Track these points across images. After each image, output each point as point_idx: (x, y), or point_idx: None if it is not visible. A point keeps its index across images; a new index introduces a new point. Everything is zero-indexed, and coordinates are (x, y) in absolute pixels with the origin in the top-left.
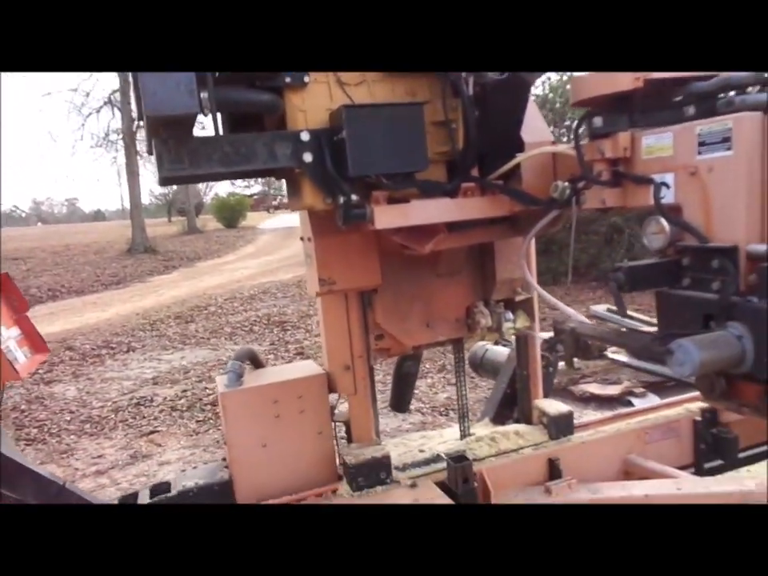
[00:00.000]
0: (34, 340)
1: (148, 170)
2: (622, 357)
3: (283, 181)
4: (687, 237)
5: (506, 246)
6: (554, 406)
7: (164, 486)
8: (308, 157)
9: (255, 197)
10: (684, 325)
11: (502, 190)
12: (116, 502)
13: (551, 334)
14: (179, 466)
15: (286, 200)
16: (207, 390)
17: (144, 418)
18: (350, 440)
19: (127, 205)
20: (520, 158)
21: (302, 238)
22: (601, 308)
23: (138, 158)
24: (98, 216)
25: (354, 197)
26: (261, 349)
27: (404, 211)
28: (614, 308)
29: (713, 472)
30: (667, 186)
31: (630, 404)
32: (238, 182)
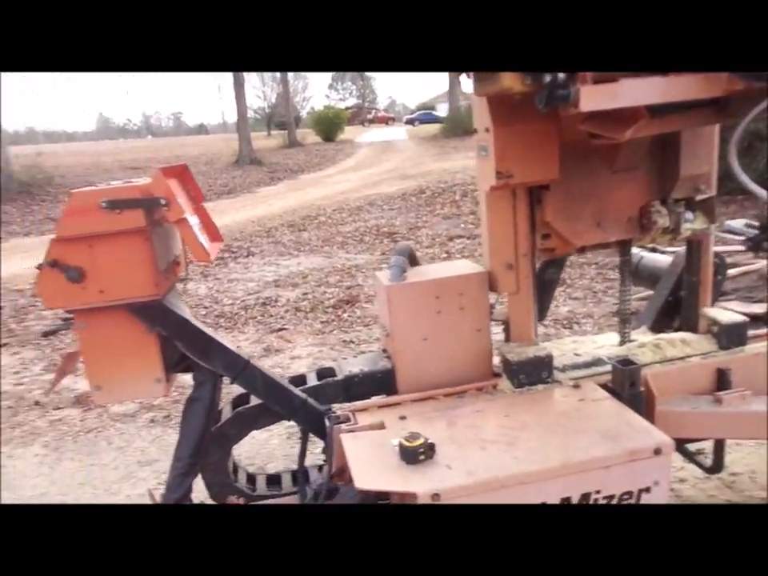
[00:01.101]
0: (210, 229)
1: (249, 83)
2: None
3: (377, 94)
4: None
5: (694, 137)
6: (727, 315)
7: (328, 371)
8: None
9: (351, 110)
10: None
11: None
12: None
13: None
14: (309, 361)
15: (380, 113)
16: (327, 294)
17: (271, 316)
18: (507, 339)
19: (228, 119)
20: None
21: (474, 130)
22: (737, 223)
23: None
24: (201, 129)
25: (561, 75)
26: (372, 258)
27: (613, 91)
28: (754, 223)
29: None
30: None
31: None
32: (333, 95)
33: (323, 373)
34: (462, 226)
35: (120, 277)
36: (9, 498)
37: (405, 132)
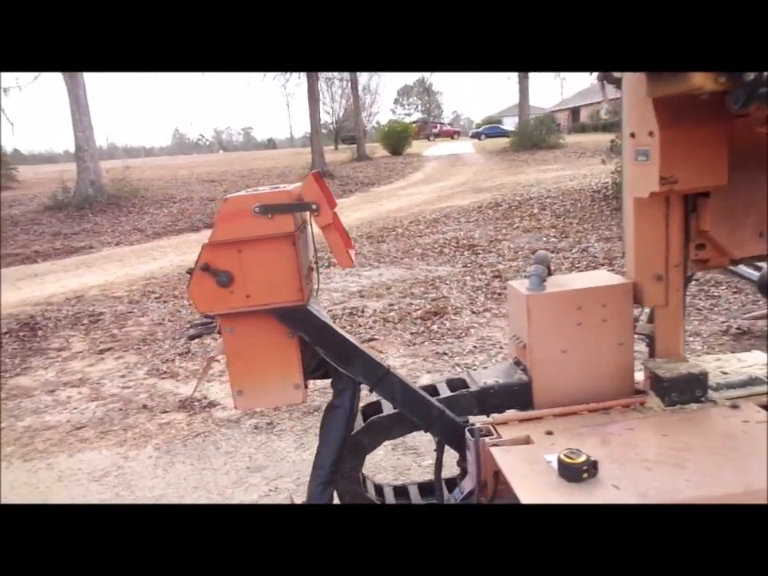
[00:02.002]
0: (344, 235)
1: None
2: None
3: (443, 108)
4: None
5: None
6: None
7: (459, 382)
8: None
9: (416, 124)
10: None
11: None
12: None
13: None
14: (404, 372)
15: (446, 127)
16: (413, 305)
17: (360, 326)
18: (651, 355)
19: (296, 133)
20: None
21: (632, 135)
22: None
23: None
24: (270, 144)
25: (766, 74)
26: (455, 270)
27: None
28: None
29: None
30: None
31: None
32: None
33: (454, 383)
34: (545, 239)
35: (267, 281)
36: (128, 499)
37: (471, 146)
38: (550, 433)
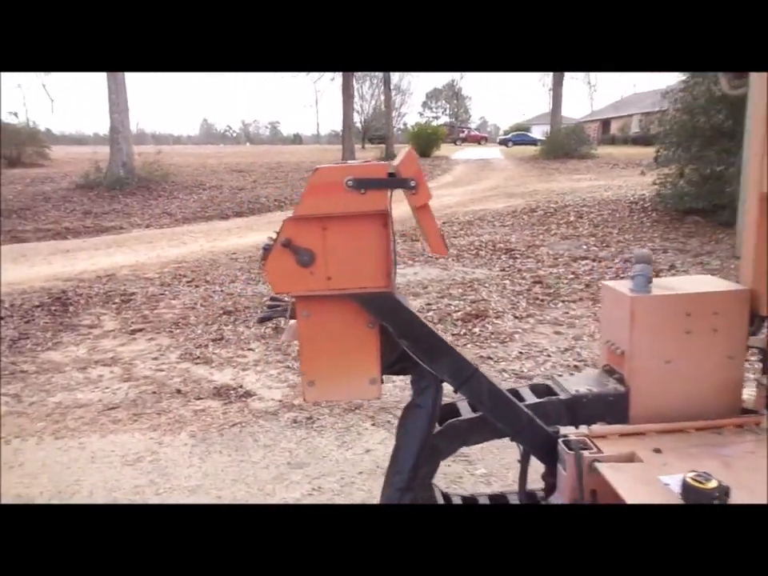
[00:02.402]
0: None
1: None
2: None
3: (471, 114)
4: None
5: None
6: None
7: (544, 387)
8: None
9: (444, 127)
10: None
11: None
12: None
13: None
14: None
15: (473, 132)
16: (452, 306)
17: None
18: (764, 371)
19: (322, 130)
20: None
21: None
22: None
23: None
24: (296, 139)
25: None
26: (492, 274)
27: None
28: None
29: None
30: None
31: None
32: (426, 112)
33: (538, 389)
34: (584, 247)
35: (352, 264)
36: (164, 487)
37: (499, 152)
38: (658, 451)
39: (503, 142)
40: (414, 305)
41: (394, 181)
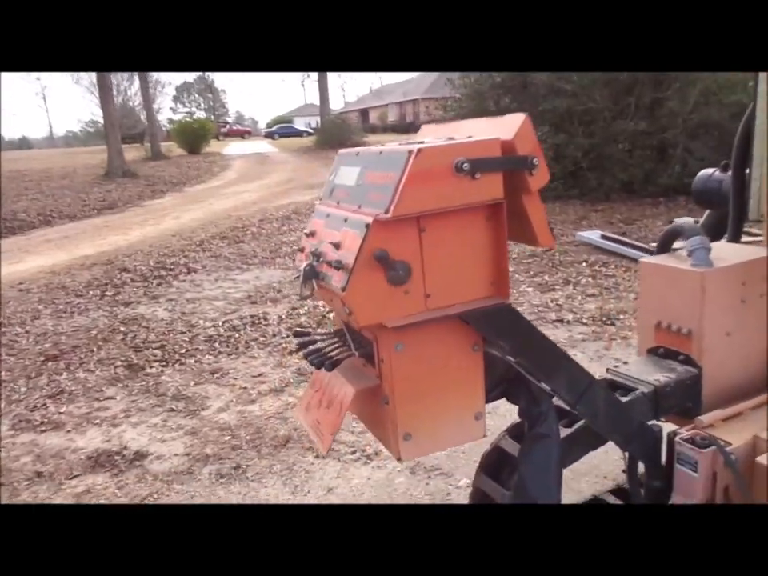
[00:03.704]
0: None
1: (77, 93)
2: None
3: (229, 108)
4: None
5: None
6: None
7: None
8: None
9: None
10: None
11: None
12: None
13: None
14: None
15: (235, 126)
16: (322, 309)
17: (274, 336)
18: None
19: (56, 131)
20: None
21: None
22: (592, 234)
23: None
24: (23, 143)
25: None
26: None
27: None
28: (610, 235)
29: None
30: None
31: None
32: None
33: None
34: None
35: (458, 273)
36: None
37: (269, 144)
38: None
39: (269, 135)
40: (279, 312)
41: (513, 159)
